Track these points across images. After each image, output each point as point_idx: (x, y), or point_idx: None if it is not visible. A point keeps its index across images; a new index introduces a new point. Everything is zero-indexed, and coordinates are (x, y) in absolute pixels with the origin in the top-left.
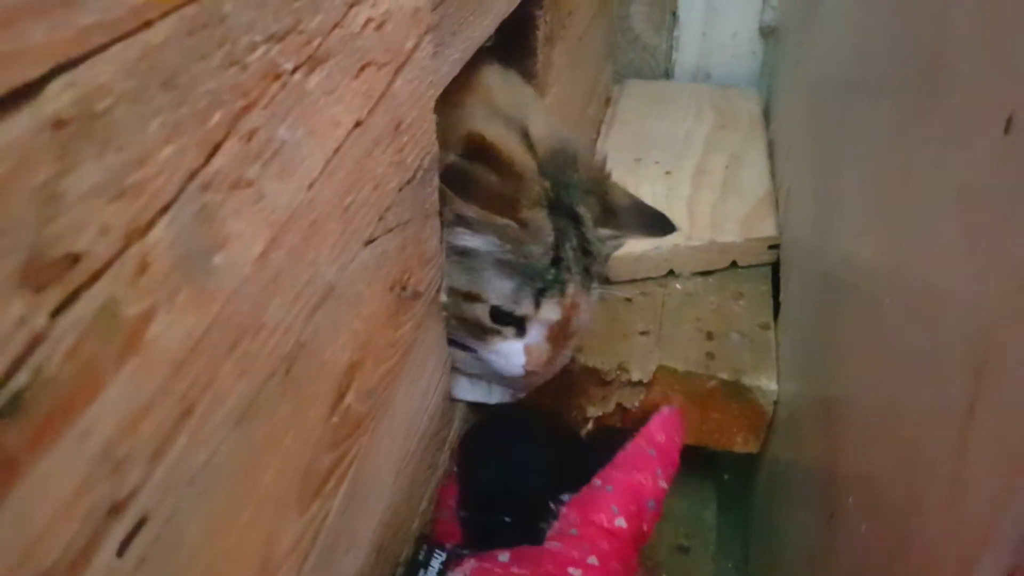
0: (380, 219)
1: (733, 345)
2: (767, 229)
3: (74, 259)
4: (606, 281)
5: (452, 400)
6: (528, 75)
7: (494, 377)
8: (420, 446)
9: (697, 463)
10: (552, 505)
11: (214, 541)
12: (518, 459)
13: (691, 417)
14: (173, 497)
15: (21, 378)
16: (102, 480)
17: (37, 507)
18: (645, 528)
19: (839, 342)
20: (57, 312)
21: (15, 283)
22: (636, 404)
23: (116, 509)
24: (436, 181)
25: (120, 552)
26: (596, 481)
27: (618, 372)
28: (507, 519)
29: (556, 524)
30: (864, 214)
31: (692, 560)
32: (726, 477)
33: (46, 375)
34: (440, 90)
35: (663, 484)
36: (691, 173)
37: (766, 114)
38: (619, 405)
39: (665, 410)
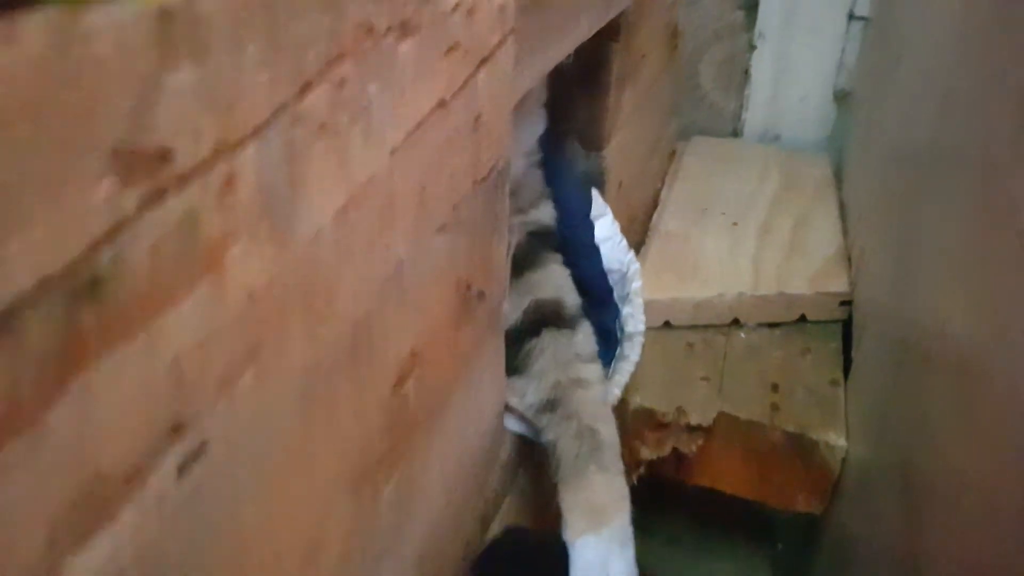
0: (453, 209)
1: (799, 399)
2: (838, 285)
3: (164, 155)
4: (666, 324)
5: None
6: (598, 115)
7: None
8: (471, 461)
9: (750, 527)
10: None
11: (267, 498)
12: None
13: (750, 473)
14: (233, 433)
15: (102, 261)
16: (167, 394)
17: (103, 398)
18: None
19: (921, 407)
20: (143, 206)
21: (105, 163)
22: (693, 450)
23: (178, 429)
24: (507, 190)
25: (179, 474)
26: None
27: (676, 415)
28: None
29: None
30: (947, 280)
31: None
32: (780, 546)
33: (127, 266)
34: (517, 98)
35: None
36: (757, 229)
37: (836, 177)
38: (675, 450)
39: None
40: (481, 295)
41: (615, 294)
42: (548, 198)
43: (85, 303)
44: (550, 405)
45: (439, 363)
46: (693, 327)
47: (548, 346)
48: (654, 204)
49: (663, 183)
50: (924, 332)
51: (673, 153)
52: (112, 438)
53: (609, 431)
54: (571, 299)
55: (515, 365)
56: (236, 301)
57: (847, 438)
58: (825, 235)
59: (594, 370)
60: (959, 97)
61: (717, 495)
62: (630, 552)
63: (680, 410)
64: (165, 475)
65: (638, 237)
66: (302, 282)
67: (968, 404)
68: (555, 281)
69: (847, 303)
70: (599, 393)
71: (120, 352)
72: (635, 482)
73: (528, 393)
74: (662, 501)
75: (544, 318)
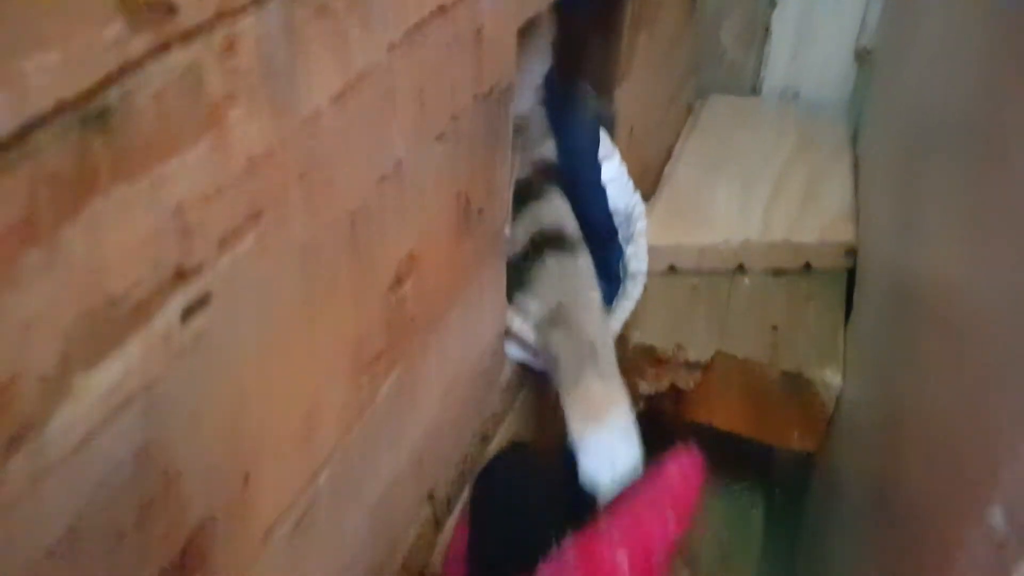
0: (453, 119)
1: (799, 341)
2: (845, 235)
3: (170, 8)
4: (671, 269)
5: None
6: (610, 57)
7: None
8: (470, 376)
9: (747, 467)
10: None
11: (267, 362)
12: (529, 504)
13: (747, 410)
14: (235, 290)
15: (111, 96)
16: (172, 238)
17: (112, 228)
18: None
19: (912, 349)
20: (149, 54)
21: (114, 6)
22: (691, 385)
23: (182, 275)
24: (510, 111)
25: (183, 318)
26: (601, 522)
27: (675, 351)
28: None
29: (553, 562)
30: (945, 232)
31: (735, 555)
32: (777, 492)
33: (134, 105)
34: (523, 20)
35: (672, 528)
36: (770, 182)
37: (854, 139)
38: (673, 385)
39: (682, 450)
40: (481, 212)
41: (619, 234)
42: (551, 135)
43: (97, 132)
44: (552, 320)
45: (438, 272)
46: (698, 272)
47: (552, 267)
48: (668, 158)
49: (678, 138)
50: (921, 279)
51: (690, 109)
52: (120, 266)
53: (606, 343)
54: (571, 227)
55: (521, 282)
56: (237, 162)
57: (843, 378)
58: (837, 190)
59: (593, 291)
60: (972, 60)
61: (714, 435)
62: (635, 446)
63: (679, 347)
64: (170, 317)
65: (650, 188)
66: (301, 159)
67: (955, 346)
68: (557, 210)
69: (852, 252)
70: (598, 311)
71: (128, 188)
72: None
73: (532, 309)
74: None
75: (547, 242)
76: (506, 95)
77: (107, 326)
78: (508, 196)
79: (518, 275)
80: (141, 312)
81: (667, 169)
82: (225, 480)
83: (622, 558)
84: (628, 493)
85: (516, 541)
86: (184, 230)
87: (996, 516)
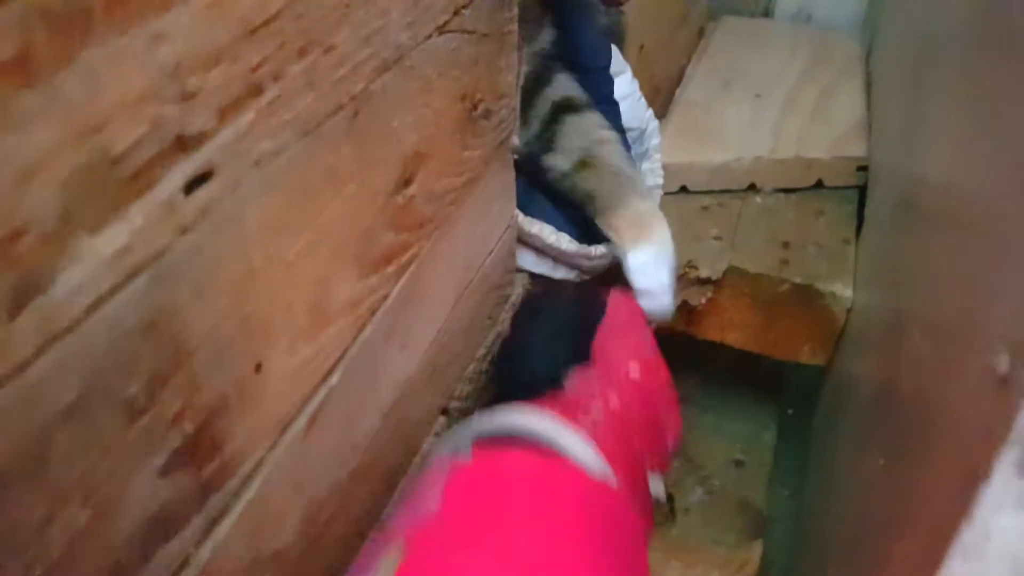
0: (456, 13)
1: (809, 255)
2: (857, 150)
3: None
4: (682, 189)
5: (518, 269)
6: None
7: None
8: (481, 287)
9: (758, 386)
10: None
11: (272, 245)
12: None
13: (758, 325)
14: (238, 166)
15: None
16: (171, 100)
17: (109, 79)
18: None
19: (921, 257)
20: None
21: None
22: (702, 302)
23: (183, 144)
24: (515, 12)
25: (187, 191)
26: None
27: (686, 269)
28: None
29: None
30: (949, 137)
31: (747, 474)
32: (790, 412)
33: None
34: None
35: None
36: (781, 100)
37: (867, 58)
38: (685, 303)
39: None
40: (488, 113)
41: (633, 151)
42: (551, 24)
43: None
44: (582, 164)
45: (445, 175)
46: (709, 192)
47: (570, 126)
48: (679, 78)
49: (689, 59)
50: (927, 184)
51: (702, 31)
52: (119, 123)
53: (638, 173)
54: (580, 94)
55: (545, 145)
56: (235, 26)
57: (854, 290)
58: (849, 105)
59: (613, 134)
60: None
61: (726, 354)
62: (672, 264)
63: (691, 264)
64: (174, 187)
65: (662, 109)
66: (300, 31)
67: (960, 239)
68: (564, 84)
69: (864, 168)
70: (621, 150)
71: (123, 39)
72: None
73: (559, 162)
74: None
75: (561, 109)
76: None
77: (109, 187)
78: (516, 103)
79: (542, 138)
80: (143, 177)
81: (678, 90)
82: (237, 364)
83: (634, 368)
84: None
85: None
86: (183, 94)
87: (1001, 361)
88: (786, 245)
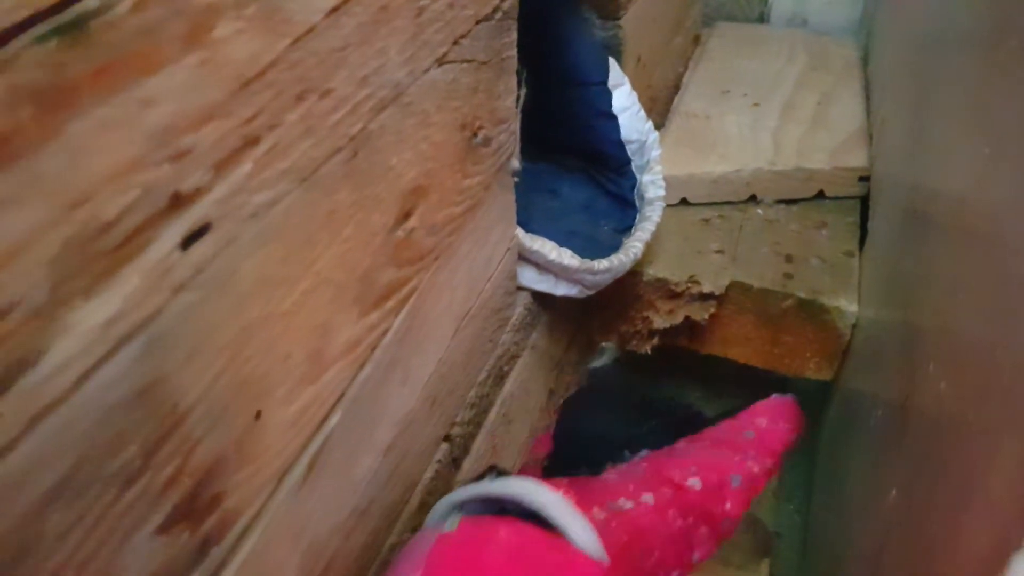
0: (455, 44)
1: (813, 268)
2: (858, 160)
3: None
4: (683, 201)
5: (518, 287)
6: None
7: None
8: (481, 313)
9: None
10: (627, 455)
11: (271, 296)
12: (612, 430)
13: (762, 340)
14: (235, 221)
15: (88, 2)
16: (163, 162)
17: (97, 149)
18: (728, 506)
19: (926, 269)
20: None
21: None
22: (705, 318)
23: (179, 202)
24: (514, 36)
25: (184, 246)
26: (679, 444)
27: (688, 284)
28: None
29: (623, 466)
30: (954, 146)
31: None
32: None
33: (112, 16)
34: None
35: (753, 467)
36: (780, 107)
37: (864, 62)
38: (687, 319)
39: (775, 397)
40: (487, 141)
41: (633, 164)
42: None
43: (70, 42)
44: None
45: (445, 205)
46: (710, 204)
47: None
48: (676, 87)
49: (686, 67)
50: (934, 194)
51: (697, 38)
52: (109, 191)
53: None
54: None
55: None
56: (226, 83)
57: (859, 304)
58: (848, 112)
59: None
60: None
61: (731, 365)
62: None
63: (693, 279)
64: (169, 246)
65: (659, 119)
66: (297, 79)
67: (968, 262)
68: None
69: (866, 179)
70: None
71: (111, 108)
72: (648, 352)
73: None
74: (676, 372)
75: None
76: (509, 15)
77: (100, 255)
78: (516, 127)
79: None
80: (136, 241)
81: (676, 99)
82: (234, 419)
83: (694, 481)
84: (713, 430)
85: (594, 461)
86: (177, 154)
87: None
88: (789, 258)
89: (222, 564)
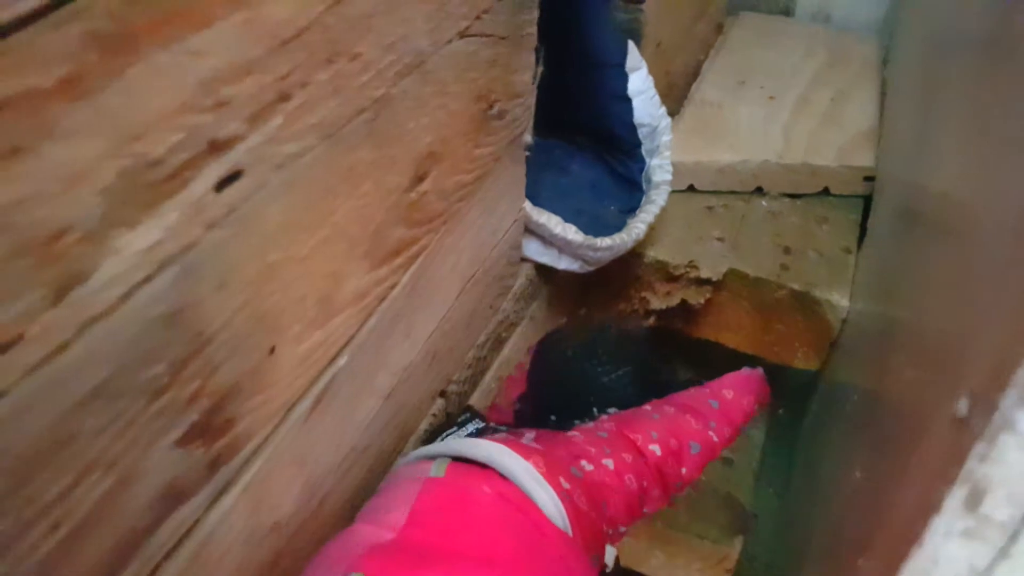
0: (477, 18)
1: (810, 261)
2: (864, 160)
3: None
4: (690, 188)
5: (521, 259)
6: None
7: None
8: (485, 279)
9: None
10: (595, 412)
11: (291, 241)
12: (584, 377)
13: (754, 327)
14: (265, 169)
15: None
16: (206, 109)
17: (151, 92)
18: (684, 471)
19: (920, 269)
20: None
21: None
22: (701, 302)
23: (216, 147)
24: (535, 14)
25: (218, 189)
26: (645, 407)
27: (687, 269)
28: (552, 418)
29: (590, 424)
30: (955, 151)
31: (735, 472)
32: (780, 411)
33: None
34: None
35: (713, 436)
36: (794, 101)
37: (883, 61)
38: (684, 302)
39: (745, 371)
40: (502, 114)
41: (643, 147)
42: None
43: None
44: None
45: (457, 171)
46: (716, 192)
47: None
48: (695, 74)
49: (706, 55)
50: (931, 198)
51: (720, 26)
52: (159, 131)
53: None
54: None
55: None
56: (267, 40)
57: (850, 299)
58: (862, 111)
59: None
60: None
61: (721, 353)
62: None
63: (692, 264)
64: (205, 186)
65: (676, 106)
66: (328, 42)
67: (955, 253)
68: None
69: (871, 179)
70: None
71: (165, 55)
72: (643, 329)
73: None
74: (668, 355)
75: None
76: None
77: (147, 189)
78: (531, 102)
79: None
80: (178, 179)
81: (693, 87)
82: (251, 350)
83: (654, 447)
84: (680, 395)
85: (564, 404)
86: (218, 103)
87: (961, 405)
88: (787, 250)
89: (229, 483)
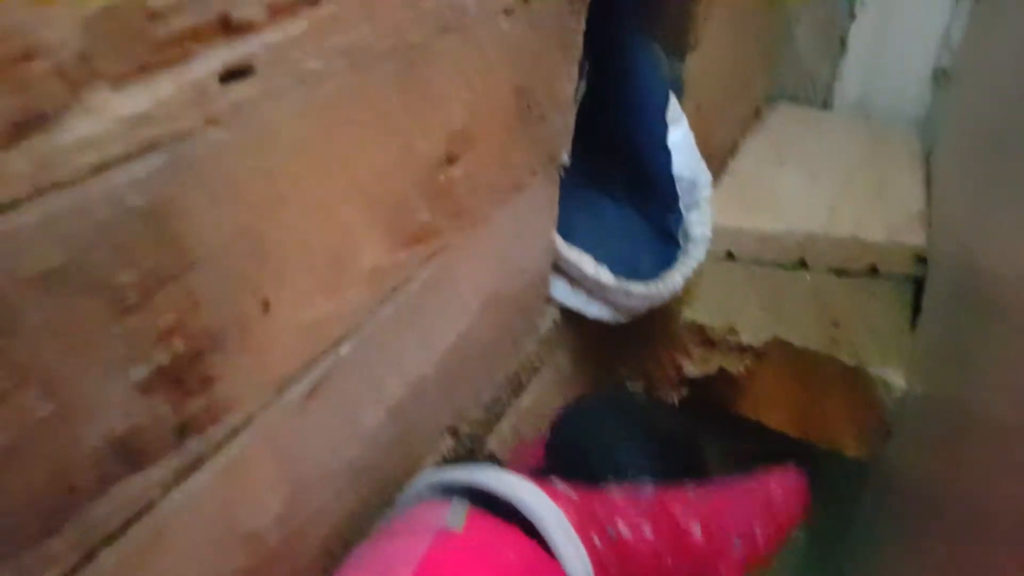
0: (525, 2)
1: (861, 337)
2: (915, 238)
3: None
4: (728, 255)
5: (548, 299)
6: (683, 19)
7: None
8: (510, 305)
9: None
10: (631, 473)
11: (303, 174)
12: (610, 449)
13: (799, 406)
14: (281, 75)
15: None
16: None
17: None
18: (722, 569)
19: (983, 351)
20: None
21: None
22: (741, 370)
23: (227, 27)
24: (582, 25)
25: (222, 79)
26: (687, 487)
27: (726, 333)
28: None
29: (627, 485)
30: (1019, 233)
31: (777, 567)
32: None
33: None
34: None
35: (757, 534)
36: (838, 181)
37: (927, 156)
38: (722, 370)
39: (791, 469)
40: (542, 117)
41: (682, 201)
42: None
43: None
44: None
45: (489, 167)
46: (757, 262)
47: None
48: (733, 151)
49: (744, 136)
50: (994, 280)
51: (759, 111)
52: None
53: None
54: None
55: None
56: None
57: (907, 380)
58: (909, 193)
59: None
60: None
61: (763, 434)
62: None
63: (731, 328)
64: (209, 70)
65: (713, 178)
66: None
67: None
68: None
69: (922, 259)
70: None
71: None
72: (675, 402)
73: None
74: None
75: None
76: (581, 2)
77: (139, 44)
78: (571, 120)
79: None
80: (177, 47)
81: (731, 162)
82: (243, 293)
83: (695, 527)
84: (724, 484)
85: (584, 477)
86: None
87: None
88: (836, 324)
89: (199, 460)
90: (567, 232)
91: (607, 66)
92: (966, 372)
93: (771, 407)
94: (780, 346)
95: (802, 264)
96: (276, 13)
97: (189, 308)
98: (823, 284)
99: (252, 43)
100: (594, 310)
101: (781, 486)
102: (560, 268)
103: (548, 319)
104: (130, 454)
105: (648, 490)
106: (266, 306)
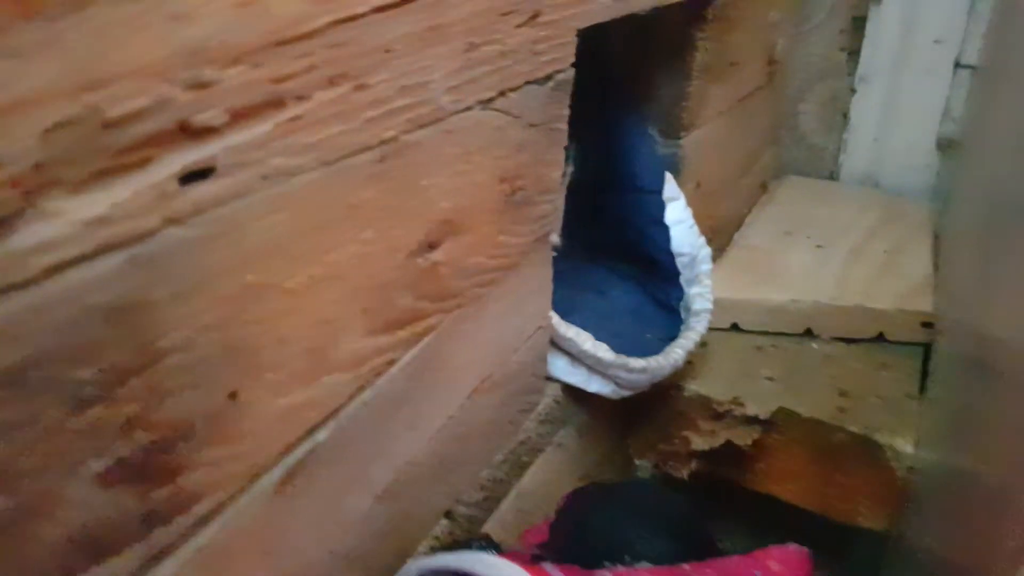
0: (502, 94)
1: (869, 405)
2: (922, 305)
3: None
4: (734, 327)
5: (548, 378)
6: (677, 101)
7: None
8: (505, 386)
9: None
10: (628, 559)
11: (273, 269)
12: (615, 530)
13: (811, 477)
14: (246, 174)
15: None
16: (181, 83)
17: (115, 41)
18: None
19: (994, 420)
20: None
21: None
22: (748, 443)
23: (187, 132)
24: (566, 111)
25: (182, 181)
26: (684, 566)
27: (732, 405)
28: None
29: (622, 570)
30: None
31: None
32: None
33: None
34: (582, 25)
35: None
36: (845, 251)
37: (935, 223)
38: (729, 443)
39: (793, 546)
40: (529, 201)
41: (682, 276)
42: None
43: None
44: None
45: (477, 252)
46: (763, 334)
47: None
48: (738, 225)
49: (750, 210)
50: (1006, 348)
51: (764, 186)
52: (121, 86)
53: None
54: None
55: None
56: (263, 34)
57: (917, 448)
58: (918, 262)
59: None
60: None
61: (777, 508)
62: None
63: (737, 400)
64: (167, 172)
65: (719, 252)
66: (332, 60)
67: None
68: None
69: (929, 325)
70: None
71: (140, 5)
72: (686, 478)
73: None
74: (714, 510)
75: None
76: (563, 87)
77: (96, 152)
78: (560, 202)
79: None
80: (136, 152)
81: (736, 234)
82: (212, 385)
83: None
84: (721, 561)
85: (587, 558)
86: (197, 83)
87: None
88: (844, 393)
89: (166, 550)
90: (570, 309)
91: (601, 147)
92: (974, 440)
93: (782, 480)
94: (787, 416)
95: (809, 334)
96: (238, 117)
97: (153, 401)
98: (831, 352)
99: (213, 146)
100: (595, 386)
101: (783, 563)
102: (559, 345)
103: (548, 397)
104: (93, 545)
105: (643, 572)
106: (234, 396)
